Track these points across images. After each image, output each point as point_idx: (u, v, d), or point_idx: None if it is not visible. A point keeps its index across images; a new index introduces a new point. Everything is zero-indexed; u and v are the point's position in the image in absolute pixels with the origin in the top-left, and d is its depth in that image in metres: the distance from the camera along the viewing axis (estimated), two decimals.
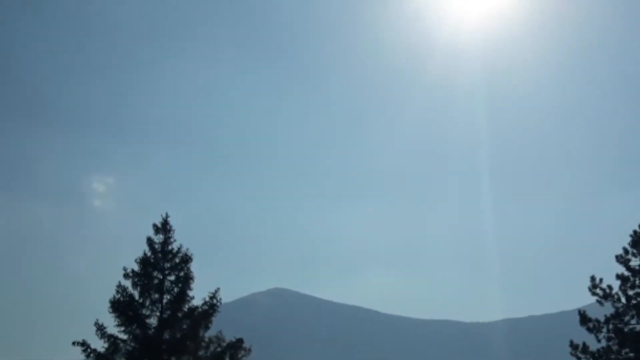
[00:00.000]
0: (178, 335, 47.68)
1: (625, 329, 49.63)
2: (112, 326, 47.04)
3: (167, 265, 48.62)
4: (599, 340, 50.19)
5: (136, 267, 48.07)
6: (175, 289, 48.36)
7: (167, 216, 49.31)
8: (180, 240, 49.25)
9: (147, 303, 47.84)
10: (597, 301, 50.66)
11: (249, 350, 47.92)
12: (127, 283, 47.83)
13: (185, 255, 48.88)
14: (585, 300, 52.61)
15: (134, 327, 47.35)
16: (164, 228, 49.00)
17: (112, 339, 46.82)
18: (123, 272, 47.90)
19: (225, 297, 50.32)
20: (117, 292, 47.62)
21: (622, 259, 50.65)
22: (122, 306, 47.23)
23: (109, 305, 47.25)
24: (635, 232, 50.78)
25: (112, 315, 47.12)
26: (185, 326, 47.91)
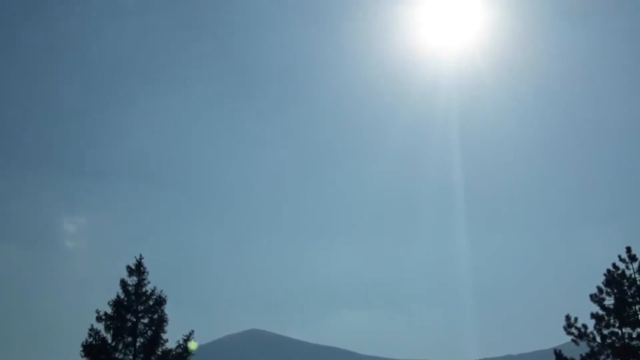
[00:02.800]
0: None
1: None
2: None
3: (141, 307, 48.10)
4: None
5: (109, 310, 47.48)
6: (149, 332, 47.78)
7: (141, 257, 48.93)
8: (154, 282, 48.88)
9: (120, 346, 47.16)
10: (573, 340, 50.71)
11: None
12: (100, 326, 47.18)
13: (160, 297, 48.43)
14: (561, 339, 52.68)
15: None
16: (138, 270, 48.58)
17: None
18: (96, 314, 47.27)
19: (199, 339, 49.78)
20: (90, 335, 46.91)
21: (596, 298, 50.86)
22: (94, 350, 46.48)
23: (81, 349, 46.49)
24: (609, 271, 51.08)
25: (85, 359, 46.33)
26: None
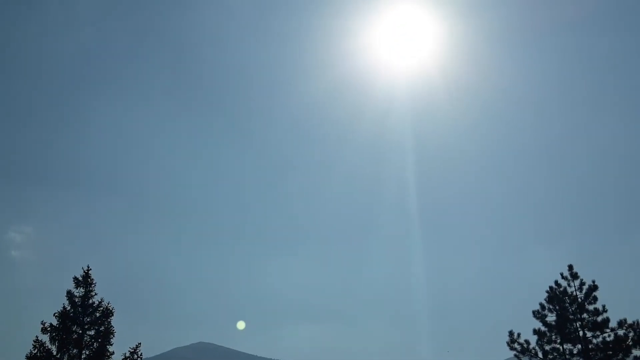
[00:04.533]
0: None
1: None
2: None
3: (87, 319, 47.64)
4: None
5: (54, 321, 46.90)
6: (95, 344, 47.30)
7: (88, 269, 48.52)
8: (102, 293, 48.46)
9: (66, 358, 46.56)
10: (515, 356, 51.69)
11: None
12: (45, 338, 46.54)
13: (107, 309, 48.05)
14: (505, 354, 53.64)
15: None
16: (85, 281, 48.15)
17: None
18: (41, 326, 46.63)
19: (146, 352, 49.49)
20: (34, 347, 46.20)
21: (539, 315, 51.95)
22: None
23: None
24: (551, 288, 52.26)
25: None
26: None
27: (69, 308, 47.48)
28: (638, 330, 49.52)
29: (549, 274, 53.48)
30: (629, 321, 49.87)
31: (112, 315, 48.03)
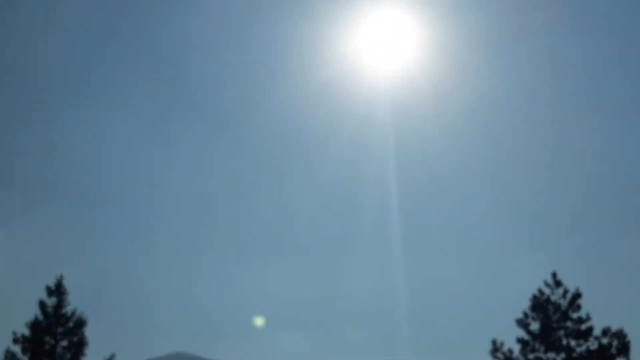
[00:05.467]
0: None
1: None
2: None
3: (60, 329, 46.99)
4: None
5: (26, 332, 46.17)
6: (68, 355, 46.79)
7: (61, 278, 47.84)
8: (75, 303, 47.72)
9: None
10: None
11: None
12: (17, 348, 46.06)
13: (80, 319, 47.40)
14: None
15: None
16: (58, 290, 47.50)
17: None
18: (12, 336, 45.87)
19: None
20: (6, 357, 45.93)
21: (522, 323, 51.32)
22: None
23: None
24: (534, 296, 51.66)
25: None
26: None
27: (41, 318, 46.95)
28: (622, 338, 49.02)
29: (533, 282, 52.80)
30: (613, 329, 49.40)
31: (86, 325, 47.54)
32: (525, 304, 51.97)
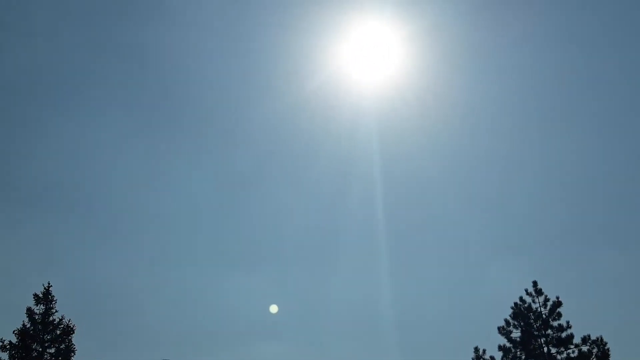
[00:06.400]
0: None
1: None
2: None
3: (48, 337, 47.02)
4: None
5: (14, 339, 46.12)
6: None
7: (49, 285, 47.90)
8: (62, 311, 47.75)
9: None
10: None
11: None
12: (4, 355, 46.03)
13: (67, 326, 47.44)
14: None
15: None
16: (46, 298, 47.55)
17: None
18: (0, 343, 45.73)
19: None
20: None
21: (504, 331, 51.95)
22: None
23: None
24: (516, 304, 52.39)
25: None
26: None
27: (28, 325, 46.88)
28: (602, 346, 49.67)
29: (516, 290, 53.43)
30: (593, 337, 50.08)
31: (73, 332, 47.51)
32: (507, 312, 52.70)
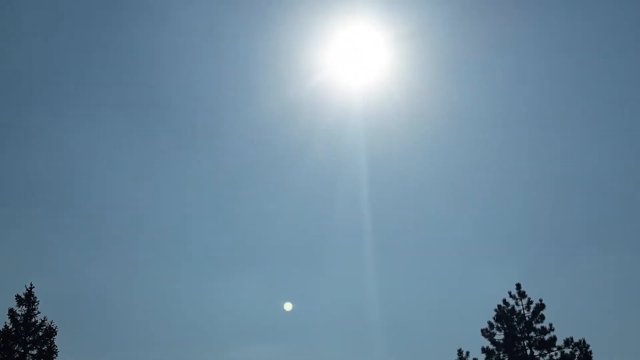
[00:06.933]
0: None
1: None
2: None
3: (30, 338, 46.78)
4: None
5: None
6: None
7: (31, 287, 47.69)
8: (45, 312, 47.52)
9: None
10: None
11: None
12: None
13: (50, 328, 47.22)
14: None
15: None
16: (28, 299, 47.33)
17: None
18: None
19: None
20: None
21: (487, 333, 52.06)
22: None
23: None
24: (499, 306, 52.51)
25: None
26: None
27: (11, 327, 46.68)
28: (584, 349, 49.85)
29: (502, 292, 53.53)
30: (576, 340, 50.28)
31: (56, 334, 47.29)
32: (490, 314, 52.84)
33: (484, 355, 51.66)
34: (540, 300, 52.00)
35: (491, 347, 51.56)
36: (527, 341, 51.13)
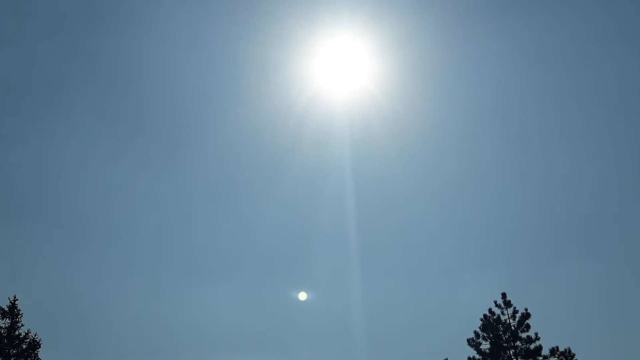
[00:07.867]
0: None
1: None
2: None
3: (14, 351, 46.38)
4: None
5: None
6: None
7: (15, 299, 47.24)
8: (29, 325, 47.12)
9: None
10: None
11: None
12: None
13: (34, 340, 46.84)
14: None
15: None
16: (11, 312, 46.89)
17: None
18: None
19: None
20: None
21: (473, 342, 52.12)
22: None
23: None
24: (485, 315, 52.61)
25: None
26: None
27: None
28: (570, 358, 50.05)
29: (487, 302, 53.64)
30: (561, 349, 50.44)
31: (39, 347, 46.90)
32: (476, 324, 52.90)
33: None
34: (526, 310, 52.15)
35: (477, 356, 51.63)
36: (513, 350, 51.23)
